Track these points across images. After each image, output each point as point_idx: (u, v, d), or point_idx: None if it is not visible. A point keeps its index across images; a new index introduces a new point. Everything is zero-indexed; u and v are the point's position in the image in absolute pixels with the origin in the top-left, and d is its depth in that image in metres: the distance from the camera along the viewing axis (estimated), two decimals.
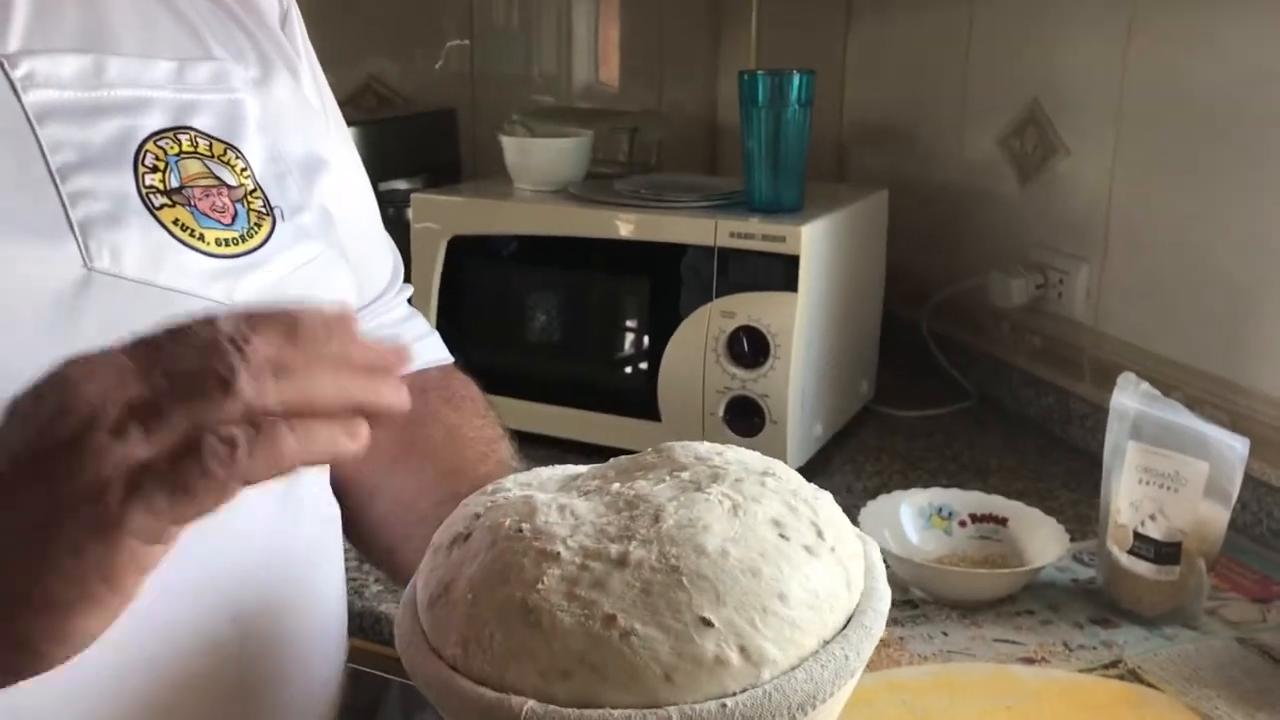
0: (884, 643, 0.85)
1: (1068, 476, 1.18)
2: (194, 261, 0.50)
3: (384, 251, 0.73)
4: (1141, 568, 0.88)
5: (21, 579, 0.35)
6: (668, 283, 1.14)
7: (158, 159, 0.52)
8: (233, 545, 0.52)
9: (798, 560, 0.43)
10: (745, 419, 1.12)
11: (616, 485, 0.46)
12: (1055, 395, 1.29)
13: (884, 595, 0.46)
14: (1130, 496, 0.89)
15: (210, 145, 0.54)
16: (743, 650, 0.40)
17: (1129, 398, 0.90)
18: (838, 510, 0.48)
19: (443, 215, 1.23)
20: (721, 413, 1.12)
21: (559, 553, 0.42)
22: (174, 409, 0.35)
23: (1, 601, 0.35)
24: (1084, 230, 1.24)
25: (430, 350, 0.75)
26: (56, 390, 0.35)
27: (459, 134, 1.61)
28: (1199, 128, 1.08)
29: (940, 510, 0.99)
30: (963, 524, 0.98)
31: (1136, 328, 1.18)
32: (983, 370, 1.40)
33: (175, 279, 0.49)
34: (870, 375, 1.35)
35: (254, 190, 0.55)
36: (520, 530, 0.44)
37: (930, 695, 0.79)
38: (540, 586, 0.41)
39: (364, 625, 0.91)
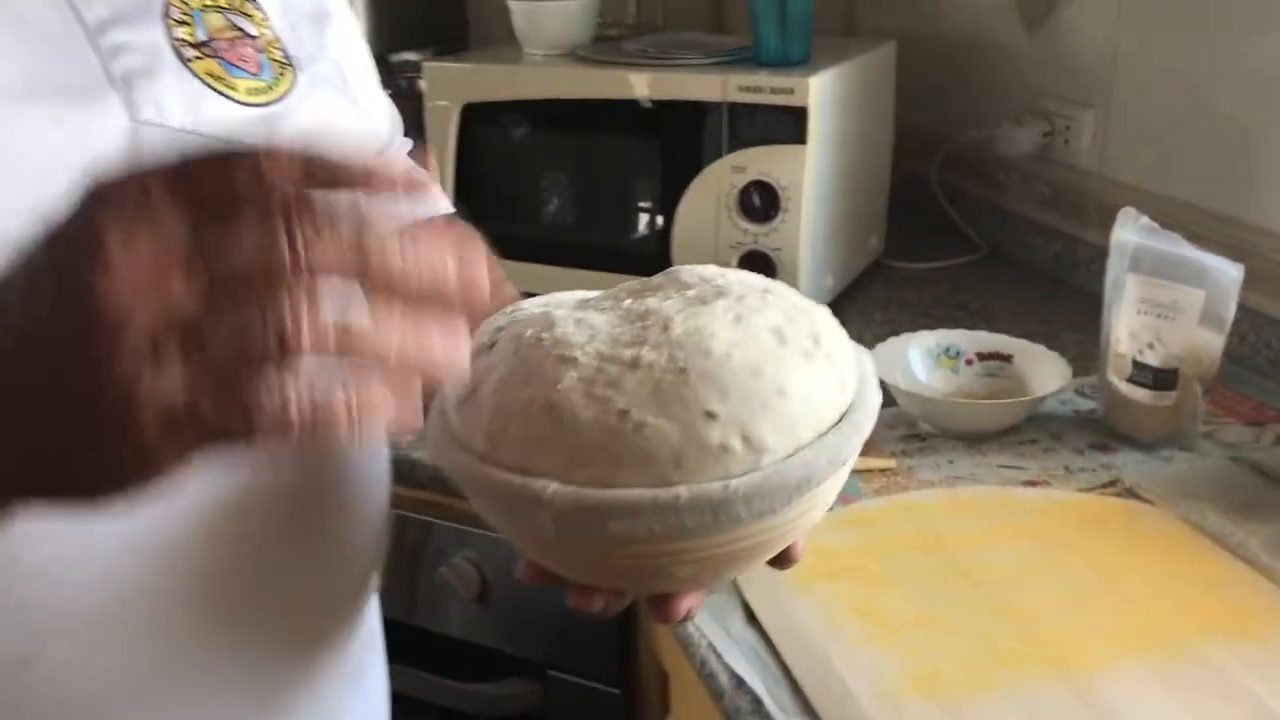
0: (894, 471, 0.90)
1: (1074, 317, 1.21)
2: (232, 110, 0.52)
3: (384, 102, 0.75)
4: (1140, 394, 0.92)
5: (63, 445, 0.33)
6: (679, 141, 1.16)
7: (183, 12, 0.53)
8: None
9: (795, 363, 0.46)
10: (758, 271, 1.15)
11: (628, 302, 0.50)
12: (1063, 241, 1.31)
13: (874, 397, 0.50)
14: (1129, 326, 0.92)
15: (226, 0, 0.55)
16: (745, 438, 0.44)
17: (1129, 232, 0.93)
18: (834, 322, 0.52)
19: (454, 83, 1.25)
20: (735, 266, 1.15)
21: (576, 358, 0.45)
22: (226, 328, 0.30)
23: (52, 447, 0.33)
24: (1089, 77, 1.24)
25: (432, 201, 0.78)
26: (103, 282, 0.30)
27: (467, 3, 1.61)
28: None
29: (948, 350, 1.03)
30: (969, 362, 1.02)
31: (1141, 171, 1.20)
32: (992, 221, 1.42)
33: (217, 126, 0.51)
34: (880, 229, 1.37)
35: (274, 40, 0.56)
36: (540, 340, 0.47)
37: (938, 515, 0.83)
38: (560, 386, 0.45)
39: (402, 472, 0.96)
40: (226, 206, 0.31)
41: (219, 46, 0.54)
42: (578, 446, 0.44)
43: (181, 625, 0.53)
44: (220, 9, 0.55)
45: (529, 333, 0.48)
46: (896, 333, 1.11)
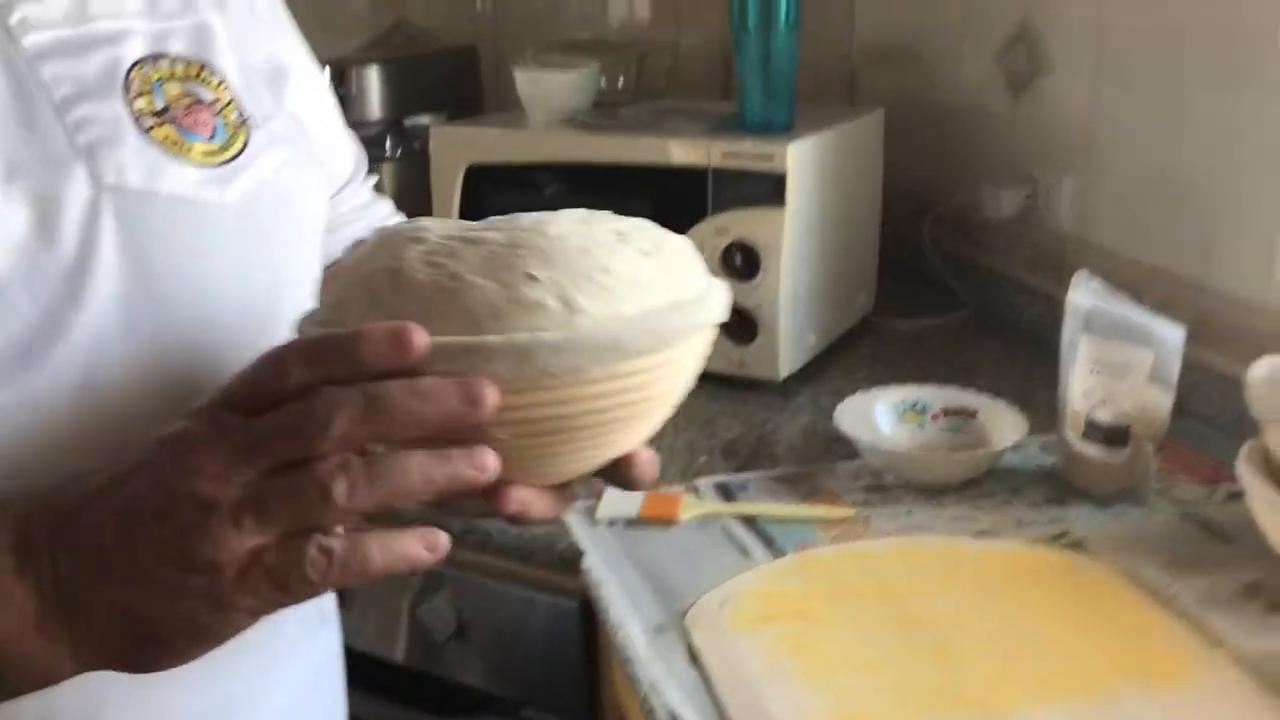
0: (852, 521, 0.94)
1: (1052, 375, 1.23)
2: (186, 171, 0.57)
3: (347, 143, 0.80)
4: (1093, 451, 0.95)
5: (152, 623, 0.45)
6: (666, 203, 1.22)
7: (143, 85, 0.58)
8: None
9: (628, 253, 0.49)
10: (739, 328, 1.20)
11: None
12: (1044, 302, 1.35)
13: (715, 308, 0.51)
14: (1083, 385, 0.96)
15: (186, 67, 0.60)
16: (562, 300, 0.46)
17: (1083, 294, 0.97)
18: (693, 250, 0.53)
19: (459, 146, 1.32)
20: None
21: (425, 238, 0.49)
22: (281, 510, 0.43)
23: (136, 635, 0.46)
24: (1068, 143, 1.29)
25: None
26: (181, 490, 0.43)
27: (481, 70, 1.69)
28: (1173, 41, 1.13)
29: (914, 405, 1.07)
30: (935, 417, 1.06)
31: (1116, 236, 1.24)
32: (981, 281, 1.47)
33: (174, 186, 0.56)
34: (869, 287, 1.42)
35: (229, 103, 0.62)
36: (400, 229, 0.51)
37: (887, 563, 0.87)
38: (404, 256, 0.48)
39: (385, 516, 1.02)
40: (265, 409, 0.44)
41: (176, 114, 0.59)
42: (407, 303, 0.47)
43: None
44: (178, 79, 0.60)
45: (393, 226, 0.52)
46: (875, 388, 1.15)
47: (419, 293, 0.46)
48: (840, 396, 1.19)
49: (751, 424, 1.16)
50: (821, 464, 1.05)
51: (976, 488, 0.99)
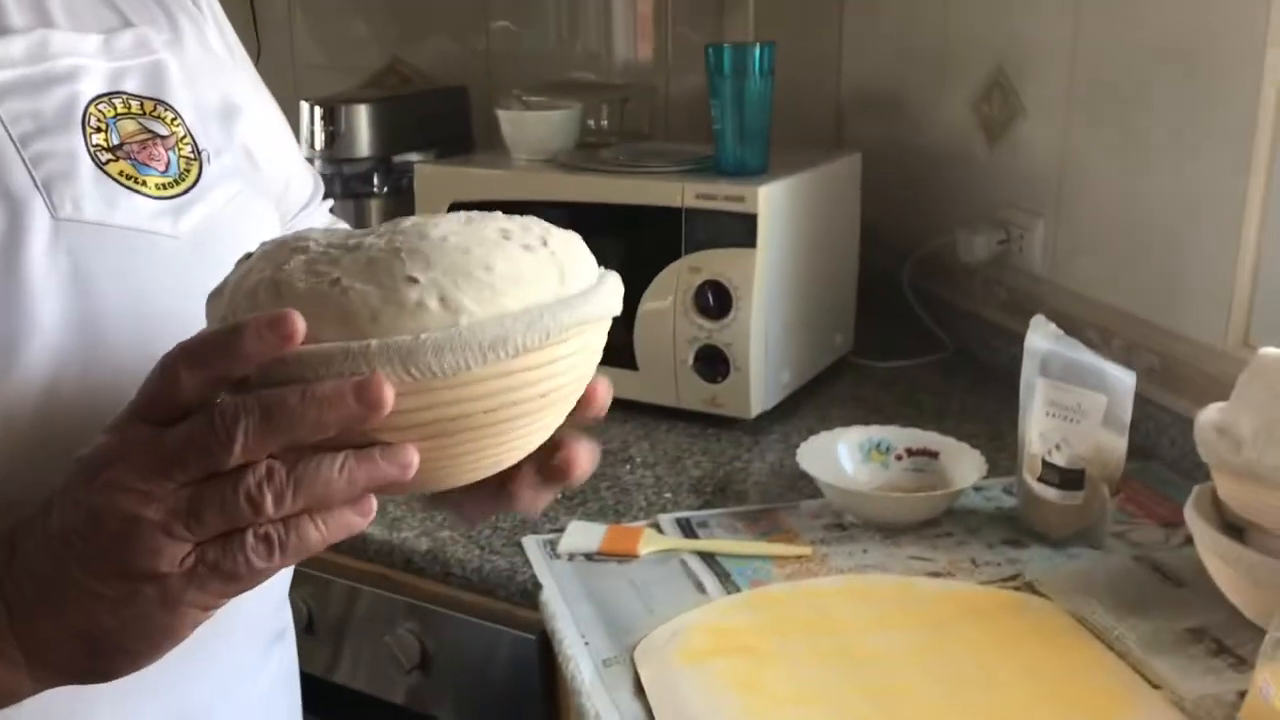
0: (806, 558, 0.95)
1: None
2: (140, 204, 0.59)
3: (303, 172, 0.82)
4: (1050, 493, 0.96)
5: (106, 635, 0.47)
6: (641, 242, 1.24)
7: (99, 121, 0.60)
8: None
9: (510, 250, 0.48)
10: (712, 366, 1.21)
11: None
12: (1019, 344, 1.36)
13: (601, 300, 0.50)
14: (1039, 428, 0.97)
15: (141, 104, 0.62)
16: (442, 300, 0.45)
17: (1039, 338, 0.98)
18: (581, 244, 0.53)
19: (442, 184, 1.35)
20: (691, 360, 1.22)
21: (308, 247, 0.49)
22: (214, 520, 0.44)
23: (93, 650, 0.47)
24: (1041, 188, 1.31)
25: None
26: (101, 505, 0.45)
27: (471, 110, 1.72)
28: (1138, 90, 1.15)
29: (879, 445, 1.08)
30: (899, 457, 1.07)
31: (1087, 279, 1.25)
32: (958, 322, 1.48)
33: (128, 219, 0.58)
34: (846, 328, 1.43)
35: (184, 137, 0.64)
36: (284, 240, 0.51)
37: (837, 600, 0.88)
38: (286, 267, 0.48)
39: (354, 546, 1.04)
40: (172, 418, 0.45)
41: (130, 149, 0.61)
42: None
43: None
44: (134, 115, 0.62)
45: (279, 238, 0.52)
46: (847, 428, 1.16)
47: (300, 303, 0.45)
48: (812, 435, 1.21)
49: (720, 461, 1.17)
50: (785, 502, 1.06)
51: (935, 528, 0.99)
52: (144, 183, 0.61)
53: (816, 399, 1.34)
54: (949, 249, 1.44)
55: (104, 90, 0.61)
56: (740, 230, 1.18)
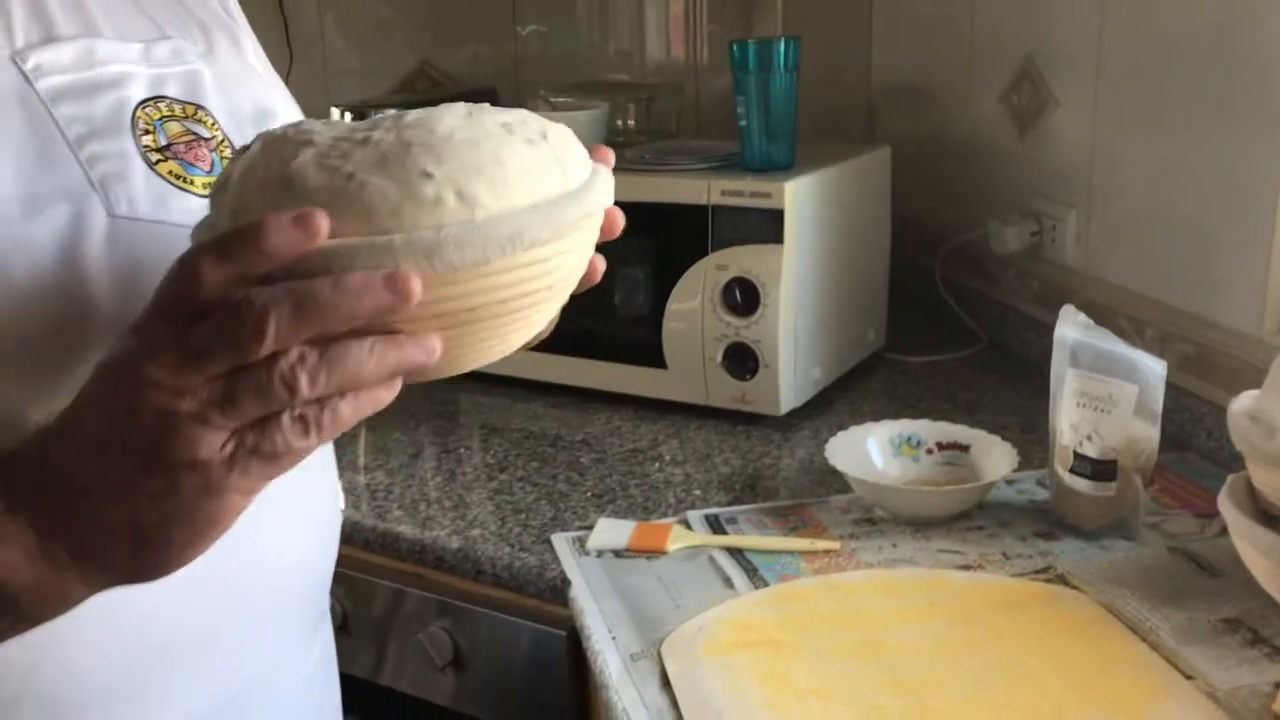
0: (837, 553, 0.95)
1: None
2: (190, 202, 0.62)
3: None
4: (1081, 484, 0.95)
5: (151, 529, 0.48)
6: (668, 240, 1.24)
7: (147, 123, 0.63)
8: None
9: (516, 144, 0.50)
10: (741, 363, 1.21)
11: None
12: (1052, 336, 1.34)
13: (601, 193, 0.53)
14: (1070, 419, 0.96)
15: (183, 108, 0.65)
16: (458, 195, 0.47)
17: (1068, 328, 0.97)
18: (573, 137, 0.55)
19: None
20: (720, 358, 1.22)
21: (314, 140, 0.50)
22: (251, 406, 0.45)
23: (138, 545, 0.48)
24: (1072, 179, 1.29)
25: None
26: (135, 404, 0.45)
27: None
28: (1168, 79, 1.13)
29: (909, 439, 1.07)
30: (930, 451, 1.06)
31: (1119, 269, 1.24)
32: (991, 315, 1.47)
33: (179, 215, 0.61)
34: (878, 323, 1.42)
35: (223, 140, 0.66)
36: (286, 133, 0.52)
37: (864, 594, 0.88)
38: (295, 161, 0.49)
39: (386, 543, 1.05)
40: (194, 315, 0.46)
41: (178, 149, 0.64)
42: (307, 206, 0.47)
43: (163, 624, 0.61)
44: (177, 118, 0.65)
45: (278, 131, 0.53)
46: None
47: (317, 198, 0.47)
48: (842, 429, 1.20)
49: (749, 458, 1.17)
50: (814, 498, 1.06)
51: (966, 521, 0.99)
52: (192, 181, 0.63)
53: (848, 395, 1.33)
54: (981, 241, 1.43)
55: (148, 95, 0.64)
56: (767, 226, 1.18)
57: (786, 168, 1.24)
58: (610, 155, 0.58)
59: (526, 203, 0.49)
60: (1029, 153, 1.38)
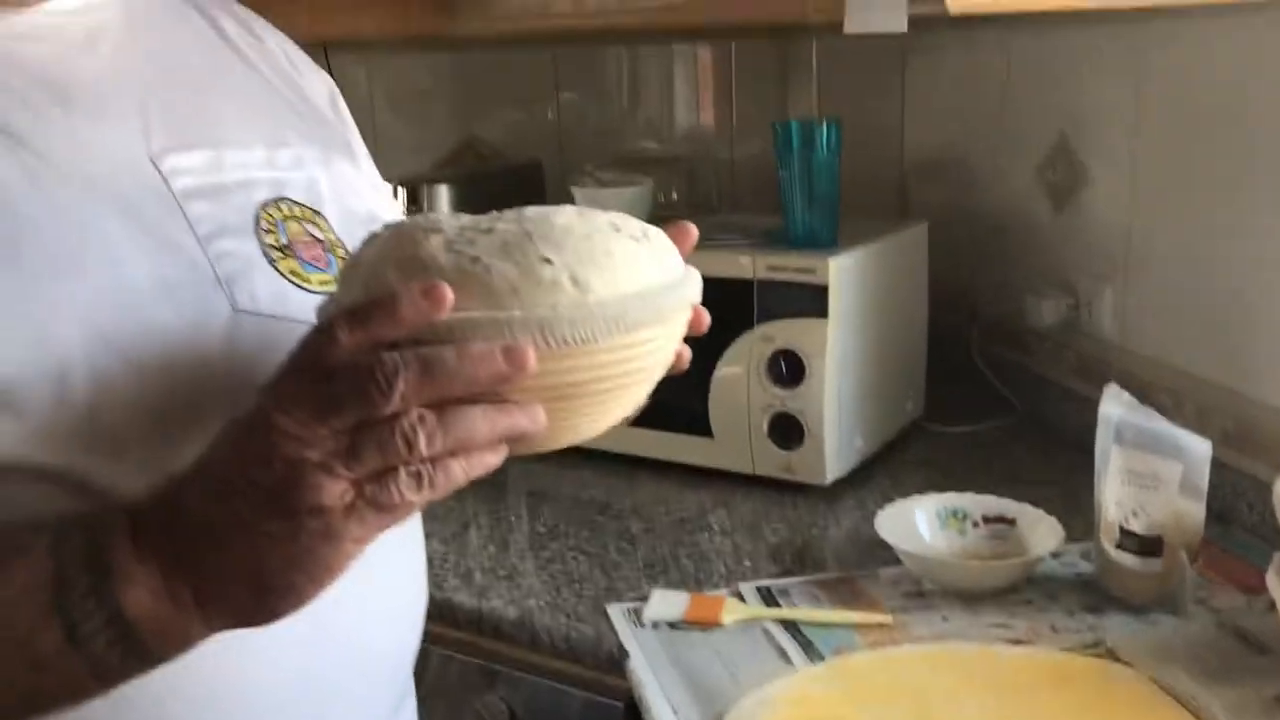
0: (890, 626, 0.97)
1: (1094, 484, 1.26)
2: (307, 298, 0.66)
3: None
4: (1128, 560, 0.97)
5: (272, 573, 0.52)
6: (715, 312, 1.26)
7: (269, 223, 0.69)
8: None
9: (624, 241, 0.56)
10: (786, 433, 1.24)
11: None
12: (1090, 408, 1.36)
13: (694, 288, 0.60)
14: (1115, 496, 0.98)
15: (302, 210, 0.71)
16: (573, 279, 0.53)
17: (1112, 406, 1.00)
18: (668, 240, 0.61)
19: None
20: (765, 428, 1.25)
21: (442, 229, 0.56)
22: (372, 459, 0.49)
23: (259, 588, 0.52)
24: (1108, 253, 1.32)
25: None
26: (267, 452, 0.50)
27: (546, 184, 1.77)
28: (1203, 153, 1.17)
29: (955, 512, 1.09)
30: (976, 525, 1.09)
31: (1157, 344, 1.26)
32: (1029, 386, 1.49)
33: (297, 311, 0.65)
34: (917, 393, 1.45)
35: (337, 241, 0.72)
36: (415, 222, 0.58)
37: (919, 669, 0.89)
38: (426, 245, 0.54)
39: (443, 613, 1.07)
40: (326, 376, 0.50)
41: (297, 249, 0.69)
42: None
43: (251, 678, 0.64)
44: (297, 219, 0.71)
45: (407, 220, 0.59)
46: (922, 494, 1.18)
47: (445, 276, 0.52)
48: (887, 501, 1.22)
49: (798, 528, 1.19)
50: (864, 569, 1.08)
51: (1014, 594, 1.01)
52: (309, 279, 0.68)
53: (889, 464, 1.35)
54: (1015, 313, 1.46)
55: (271, 197, 0.70)
56: (811, 301, 1.22)
57: (829, 243, 1.28)
58: (693, 232, 0.64)
59: (631, 290, 0.54)
60: (1064, 226, 1.41)
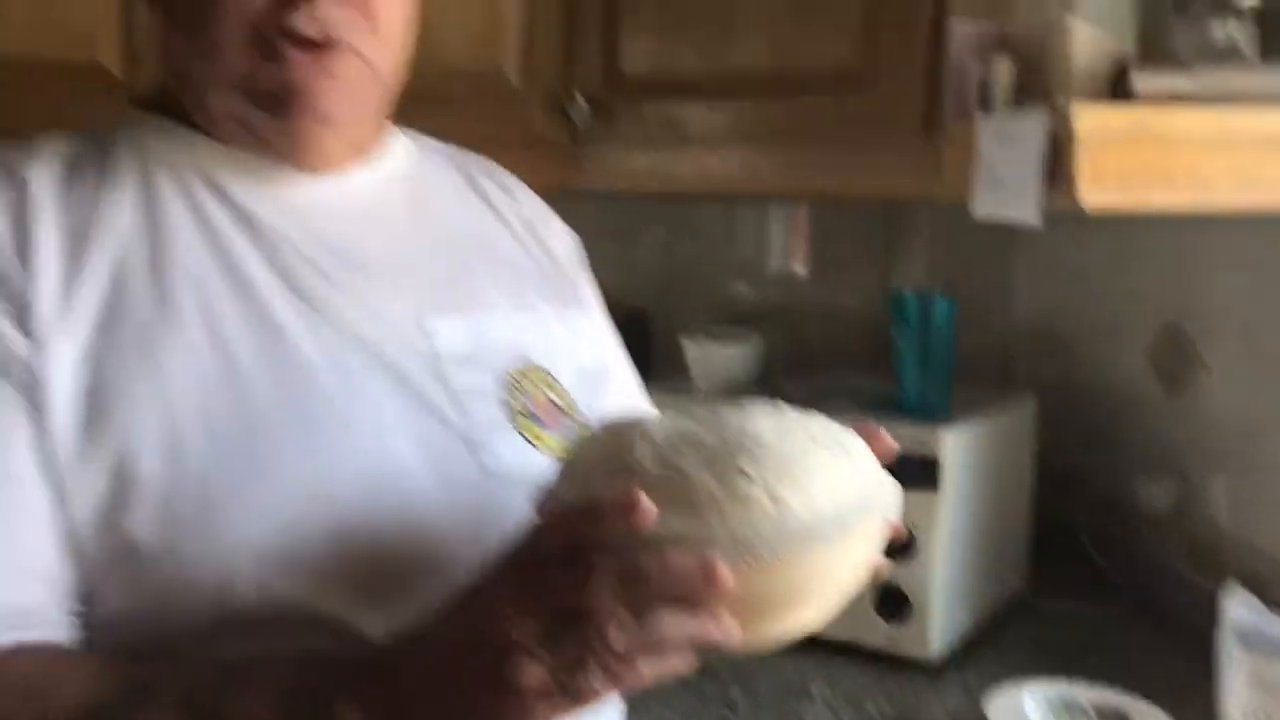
0: None
1: (1207, 674, 1.22)
2: (544, 460, 0.71)
3: (641, 400, 0.94)
4: None
5: None
6: None
7: (515, 389, 0.74)
8: None
9: (821, 455, 0.59)
10: (893, 606, 1.23)
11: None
12: (1202, 597, 1.34)
13: (888, 504, 0.62)
14: (1239, 701, 0.96)
15: (542, 376, 0.76)
16: (769, 494, 0.56)
17: (1237, 610, 0.98)
18: (865, 447, 0.63)
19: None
20: (871, 599, 1.24)
21: (653, 435, 0.59)
22: (570, 649, 0.53)
23: None
24: (1224, 441, 1.31)
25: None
26: (482, 628, 0.55)
27: (651, 331, 1.80)
28: None
29: (1067, 704, 1.07)
30: (1088, 715, 1.06)
31: (1274, 537, 1.24)
32: (1135, 568, 1.46)
33: (536, 473, 0.68)
34: (1020, 569, 1.43)
35: (572, 404, 0.77)
36: (626, 425, 0.61)
37: None
38: (636, 452, 0.58)
39: None
40: (543, 567, 0.55)
41: (538, 414, 0.74)
42: (645, 492, 0.56)
43: None
44: (537, 384, 0.76)
45: (618, 423, 0.63)
46: (1030, 676, 1.16)
47: (650, 482, 0.56)
48: (991, 680, 1.20)
49: (902, 707, 1.17)
50: None
51: None
52: (548, 442, 0.73)
53: (993, 642, 1.33)
54: (1123, 493, 1.44)
55: (518, 365, 0.75)
56: (921, 472, 1.22)
57: (942, 414, 1.28)
58: (886, 439, 0.66)
59: (827, 507, 0.57)
60: (1177, 411, 1.40)
